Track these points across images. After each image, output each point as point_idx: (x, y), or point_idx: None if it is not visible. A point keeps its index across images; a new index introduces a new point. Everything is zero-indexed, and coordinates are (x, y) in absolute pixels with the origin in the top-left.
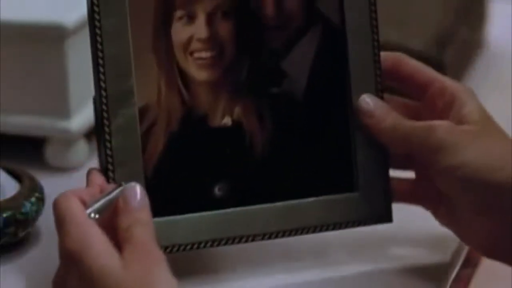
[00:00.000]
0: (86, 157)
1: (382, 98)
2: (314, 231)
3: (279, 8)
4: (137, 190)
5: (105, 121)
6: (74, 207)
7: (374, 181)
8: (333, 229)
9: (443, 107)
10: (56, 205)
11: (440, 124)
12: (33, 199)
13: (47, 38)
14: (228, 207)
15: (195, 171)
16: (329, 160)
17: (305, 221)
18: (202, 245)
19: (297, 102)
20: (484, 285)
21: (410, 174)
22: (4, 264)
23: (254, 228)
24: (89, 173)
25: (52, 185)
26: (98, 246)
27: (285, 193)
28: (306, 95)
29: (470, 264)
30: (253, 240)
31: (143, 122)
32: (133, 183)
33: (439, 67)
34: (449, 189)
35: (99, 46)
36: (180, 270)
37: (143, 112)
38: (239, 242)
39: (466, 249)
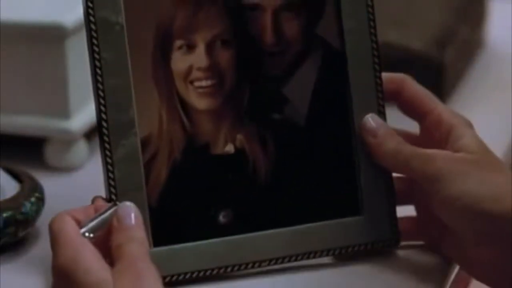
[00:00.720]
0: (86, 157)
1: (384, 119)
2: (320, 256)
3: (279, 34)
4: (131, 209)
5: (107, 152)
6: (67, 225)
7: (379, 204)
8: (340, 253)
9: (439, 138)
10: (51, 225)
11: (439, 153)
12: (33, 199)
13: (47, 38)
14: (233, 234)
15: (199, 199)
16: (333, 184)
17: (310, 246)
18: (208, 272)
19: (299, 128)
20: (484, 285)
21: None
22: (4, 264)
23: (259, 254)
24: (93, 200)
25: (52, 185)
26: (89, 263)
27: (290, 218)
28: (308, 120)
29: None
30: (259, 266)
31: (145, 152)
32: (127, 203)
33: (439, 67)
34: (449, 219)
35: (99, 78)
36: None
37: (145, 142)
38: (245, 268)
39: None
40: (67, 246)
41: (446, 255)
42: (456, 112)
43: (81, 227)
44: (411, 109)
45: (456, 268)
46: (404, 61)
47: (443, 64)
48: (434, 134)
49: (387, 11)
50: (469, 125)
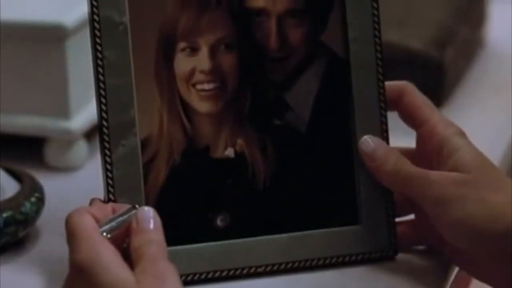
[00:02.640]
0: (86, 157)
1: (386, 130)
2: (317, 264)
3: (283, 40)
4: (151, 213)
5: (107, 152)
6: (87, 222)
7: (378, 214)
8: (336, 261)
9: (432, 149)
10: (69, 219)
11: (437, 177)
12: (33, 199)
13: (47, 38)
14: (230, 238)
15: (197, 202)
16: (332, 192)
17: (307, 253)
18: (203, 276)
19: (300, 134)
20: (484, 285)
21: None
22: (4, 264)
23: (255, 260)
24: (91, 202)
25: (52, 185)
26: (109, 260)
27: (287, 225)
28: (309, 127)
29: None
30: (255, 271)
31: (144, 152)
32: (146, 207)
33: (439, 67)
34: (453, 240)
35: (101, 77)
36: None
37: (144, 142)
38: (241, 273)
39: None
40: (87, 242)
41: (455, 264)
42: (450, 122)
43: (100, 226)
44: (409, 117)
45: (456, 269)
46: (404, 61)
47: (443, 64)
48: (428, 145)
49: (387, 11)
50: (462, 135)
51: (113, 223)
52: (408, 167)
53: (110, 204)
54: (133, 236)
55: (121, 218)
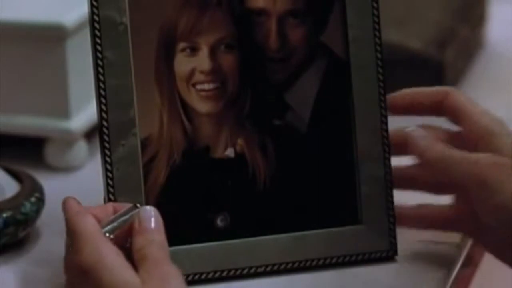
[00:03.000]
0: (86, 157)
1: (386, 130)
2: (317, 264)
3: (283, 40)
4: (153, 213)
5: (107, 152)
6: (89, 223)
7: (378, 214)
8: (336, 261)
9: (474, 139)
10: (70, 220)
11: (484, 159)
12: (33, 199)
13: (47, 38)
14: (230, 238)
15: (197, 202)
16: (333, 192)
17: (308, 253)
18: (203, 276)
19: (300, 134)
20: (484, 285)
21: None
22: (4, 264)
23: (255, 260)
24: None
25: (52, 185)
26: (114, 262)
27: (288, 225)
28: (309, 128)
29: (470, 264)
30: (255, 271)
31: (144, 152)
32: (148, 207)
33: (439, 67)
34: (498, 224)
35: (101, 77)
36: None
37: (145, 143)
38: (241, 273)
39: (466, 249)
40: (90, 243)
41: (488, 250)
42: (492, 115)
43: (102, 226)
44: (454, 113)
45: (456, 268)
46: (404, 61)
47: (443, 64)
48: (471, 136)
49: (387, 11)
50: (503, 125)
51: (115, 223)
52: (454, 151)
53: (111, 204)
54: (136, 237)
55: (123, 218)
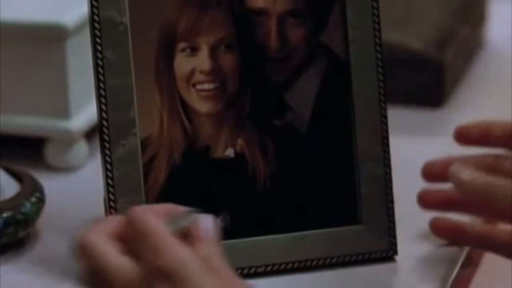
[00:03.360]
0: (86, 157)
1: (387, 130)
2: (317, 264)
3: (283, 40)
4: (211, 221)
5: (107, 152)
6: (159, 224)
7: (378, 214)
8: (336, 261)
9: None
10: (138, 220)
11: None
12: (33, 199)
13: (47, 38)
14: (230, 238)
15: (197, 202)
16: (333, 192)
17: (308, 253)
18: None
19: (300, 134)
20: (484, 285)
21: None
22: (4, 264)
23: (256, 260)
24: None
25: (52, 185)
26: (197, 265)
27: (288, 225)
28: (309, 128)
29: (470, 264)
30: (255, 271)
31: (144, 152)
32: (208, 215)
33: (439, 67)
34: None
35: (101, 77)
36: None
37: (145, 143)
38: (241, 273)
39: (466, 249)
40: (169, 246)
41: None
42: None
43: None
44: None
45: (456, 268)
46: (404, 61)
47: (443, 64)
48: None
49: (387, 11)
50: None
51: (175, 226)
52: (486, 175)
53: (164, 206)
54: (201, 244)
55: (182, 222)
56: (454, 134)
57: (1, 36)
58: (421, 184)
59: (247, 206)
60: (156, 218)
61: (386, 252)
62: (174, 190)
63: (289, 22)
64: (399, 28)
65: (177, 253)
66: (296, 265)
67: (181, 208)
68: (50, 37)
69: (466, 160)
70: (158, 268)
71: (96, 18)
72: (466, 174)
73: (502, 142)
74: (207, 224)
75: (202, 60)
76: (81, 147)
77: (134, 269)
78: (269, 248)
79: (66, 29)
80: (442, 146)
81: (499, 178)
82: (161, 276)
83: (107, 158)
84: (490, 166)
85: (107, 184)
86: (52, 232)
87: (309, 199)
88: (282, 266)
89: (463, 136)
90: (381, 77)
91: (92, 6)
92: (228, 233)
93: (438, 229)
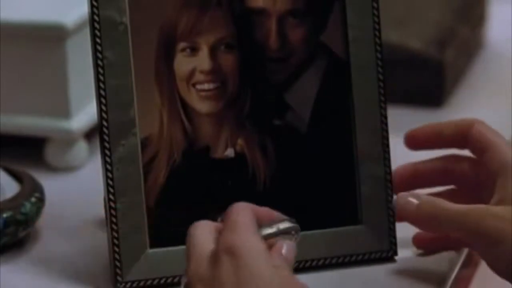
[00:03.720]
0: (86, 157)
1: (386, 130)
2: (317, 264)
3: (283, 40)
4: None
5: (107, 152)
6: (248, 216)
7: (378, 214)
8: (336, 261)
9: (490, 177)
10: (233, 208)
11: (474, 209)
12: (33, 199)
13: (47, 38)
14: None
15: (197, 202)
16: (333, 193)
17: (308, 253)
18: None
19: (300, 134)
20: (484, 285)
21: None
22: (4, 264)
23: None
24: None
25: (52, 185)
26: (265, 258)
27: None
28: (309, 128)
29: (470, 264)
30: None
31: (144, 152)
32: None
33: (439, 67)
34: (504, 276)
35: (101, 77)
36: None
37: (144, 142)
38: None
39: (466, 249)
40: (246, 233)
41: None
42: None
43: (259, 226)
44: (476, 146)
45: (456, 268)
46: (404, 61)
47: (443, 64)
48: (489, 174)
49: (387, 11)
50: None
51: (274, 230)
52: (447, 204)
53: (263, 208)
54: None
55: (281, 229)
56: (405, 140)
57: (1, 36)
58: None
59: None
60: (249, 211)
61: (386, 252)
62: (174, 190)
63: (289, 22)
64: (399, 28)
65: (250, 239)
66: (296, 265)
67: (277, 214)
68: (50, 37)
69: (424, 166)
70: (228, 244)
71: (96, 18)
72: (412, 204)
73: (453, 143)
74: (291, 244)
75: (202, 60)
76: (81, 147)
77: (211, 245)
78: None
79: (66, 29)
80: None
81: (443, 205)
82: (228, 252)
83: (107, 158)
84: (446, 170)
85: (107, 184)
86: (52, 232)
87: (309, 199)
88: None
89: (414, 141)
90: (381, 77)
91: (92, 6)
92: None
93: (419, 241)
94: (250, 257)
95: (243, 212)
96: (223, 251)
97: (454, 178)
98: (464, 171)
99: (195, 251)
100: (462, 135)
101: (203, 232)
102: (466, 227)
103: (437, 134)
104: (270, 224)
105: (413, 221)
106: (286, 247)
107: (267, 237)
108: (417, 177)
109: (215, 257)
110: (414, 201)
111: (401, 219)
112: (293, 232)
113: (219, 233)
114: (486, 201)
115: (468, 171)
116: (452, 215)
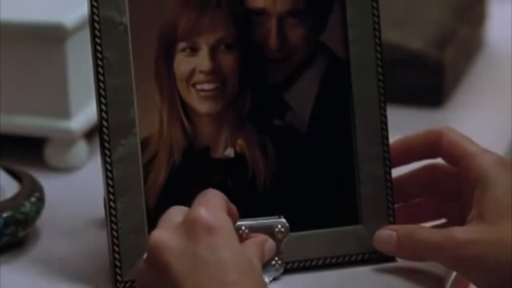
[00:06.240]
0: (86, 157)
1: (386, 130)
2: (317, 264)
3: (283, 40)
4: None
5: (107, 152)
6: (218, 199)
7: (378, 214)
8: (336, 261)
9: (469, 187)
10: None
11: (449, 239)
12: (33, 199)
13: (47, 38)
14: None
15: None
16: (333, 192)
17: (308, 253)
18: None
19: (300, 134)
20: None
21: None
22: (4, 264)
23: None
24: None
25: (52, 185)
26: (234, 239)
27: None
28: (309, 128)
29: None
30: None
31: (144, 152)
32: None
33: (439, 67)
34: None
35: (101, 77)
36: None
37: (144, 142)
38: None
39: None
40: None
41: None
42: (493, 155)
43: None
44: (450, 155)
45: None
46: (404, 61)
47: (443, 64)
48: (467, 182)
49: (387, 11)
50: (501, 171)
51: (254, 222)
52: (426, 234)
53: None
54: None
55: (264, 221)
56: None
57: (1, 36)
58: None
59: (247, 206)
60: (221, 196)
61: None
62: (174, 190)
63: (289, 22)
64: (399, 28)
65: (227, 218)
66: (296, 265)
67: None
68: (50, 37)
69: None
70: (205, 220)
71: (96, 18)
72: (391, 239)
73: (425, 155)
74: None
75: (202, 60)
76: (81, 147)
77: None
78: None
79: (66, 29)
80: None
81: (419, 236)
82: (206, 229)
83: (107, 158)
84: (431, 183)
85: (107, 184)
86: (52, 232)
87: (309, 199)
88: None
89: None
90: (381, 77)
91: (92, 6)
92: None
93: None
94: (228, 238)
95: (216, 197)
96: (200, 228)
97: (437, 188)
98: (445, 180)
99: (164, 219)
100: (433, 145)
101: (175, 209)
102: (443, 259)
103: (407, 148)
104: (254, 218)
105: (394, 253)
106: (269, 243)
107: (250, 228)
108: (401, 192)
109: (188, 228)
110: (393, 234)
111: (383, 251)
112: (279, 226)
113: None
114: (468, 208)
115: (448, 180)
116: (429, 247)
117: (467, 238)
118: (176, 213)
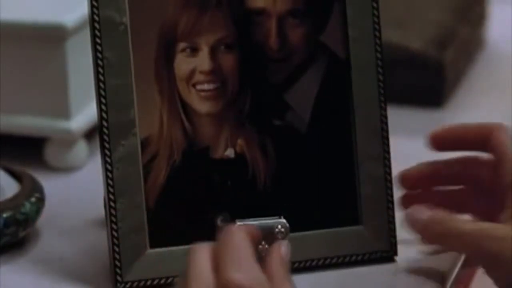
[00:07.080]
0: (86, 157)
1: (387, 130)
2: (317, 264)
3: (283, 40)
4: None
5: (107, 152)
6: (243, 238)
7: (378, 215)
8: (336, 261)
9: (503, 190)
10: (227, 231)
11: (476, 230)
12: (33, 199)
13: (47, 38)
14: None
15: (197, 203)
16: (333, 193)
17: (308, 253)
18: None
19: (300, 135)
20: (484, 285)
21: None
22: (4, 264)
23: None
24: None
25: (52, 185)
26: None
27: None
28: (310, 128)
29: (470, 264)
30: None
31: (144, 153)
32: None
33: (439, 67)
34: None
35: (101, 77)
36: None
37: (145, 143)
38: None
39: None
40: (246, 265)
41: None
42: None
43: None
44: (495, 154)
45: (456, 268)
46: (404, 61)
47: (443, 64)
48: (499, 183)
49: (387, 11)
50: None
51: (256, 222)
52: (459, 223)
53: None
54: (273, 261)
55: (266, 221)
56: (429, 140)
57: (1, 36)
58: None
59: (247, 206)
60: (243, 232)
61: (386, 253)
62: (174, 190)
63: (289, 22)
64: (399, 28)
65: (256, 275)
66: (296, 265)
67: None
68: (50, 37)
69: (437, 169)
70: (230, 280)
71: (96, 18)
72: (421, 221)
73: (476, 147)
74: (285, 246)
75: (202, 60)
76: (81, 147)
77: (212, 279)
78: None
79: (66, 29)
80: None
81: (449, 224)
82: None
83: (107, 158)
84: (466, 173)
85: (107, 184)
86: (52, 232)
87: (309, 199)
88: None
89: (438, 142)
90: (381, 77)
91: (92, 6)
92: None
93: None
94: None
95: (235, 233)
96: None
97: (473, 181)
98: (483, 176)
99: (193, 277)
100: (483, 140)
101: (202, 257)
102: (467, 248)
103: (461, 137)
104: (254, 219)
105: (421, 234)
106: (284, 248)
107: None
108: (435, 176)
109: None
110: (424, 215)
111: (411, 229)
112: (279, 227)
113: (219, 258)
114: (499, 210)
115: (486, 177)
116: (461, 237)
117: (495, 233)
118: (204, 266)
